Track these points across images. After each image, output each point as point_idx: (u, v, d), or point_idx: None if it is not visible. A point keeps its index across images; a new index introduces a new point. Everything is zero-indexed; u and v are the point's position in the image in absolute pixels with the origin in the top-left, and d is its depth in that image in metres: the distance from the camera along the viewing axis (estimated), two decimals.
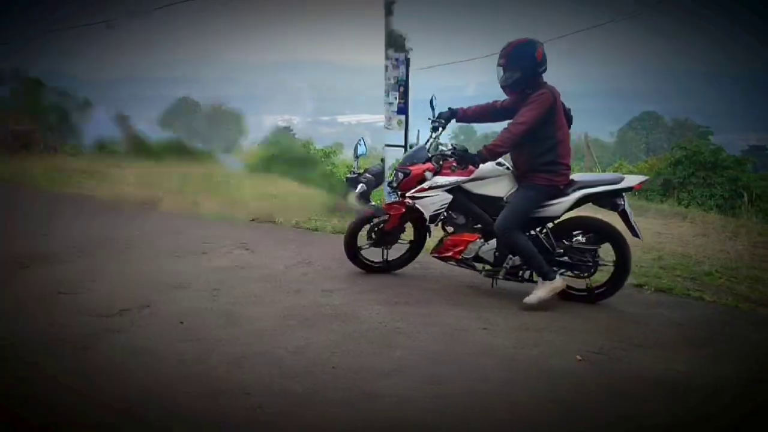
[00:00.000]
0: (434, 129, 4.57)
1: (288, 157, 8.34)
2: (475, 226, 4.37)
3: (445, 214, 4.39)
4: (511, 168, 4.31)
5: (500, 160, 4.28)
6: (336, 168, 9.32)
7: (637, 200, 10.85)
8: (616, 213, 4.17)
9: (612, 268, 4.19)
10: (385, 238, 4.71)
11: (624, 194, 4.13)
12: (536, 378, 3.06)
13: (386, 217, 4.65)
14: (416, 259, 4.80)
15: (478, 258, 4.34)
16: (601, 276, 4.27)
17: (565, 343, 3.51)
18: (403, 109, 7.19)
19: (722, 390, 3.02)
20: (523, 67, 4.05)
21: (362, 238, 4.76)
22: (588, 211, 4.38)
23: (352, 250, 4.75)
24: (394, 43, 6.99)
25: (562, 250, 4.22)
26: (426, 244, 4.77)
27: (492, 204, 4.25)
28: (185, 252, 5.31)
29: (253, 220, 6.86)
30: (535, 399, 2.85)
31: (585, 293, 4.26)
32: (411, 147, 5.84)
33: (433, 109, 4.64)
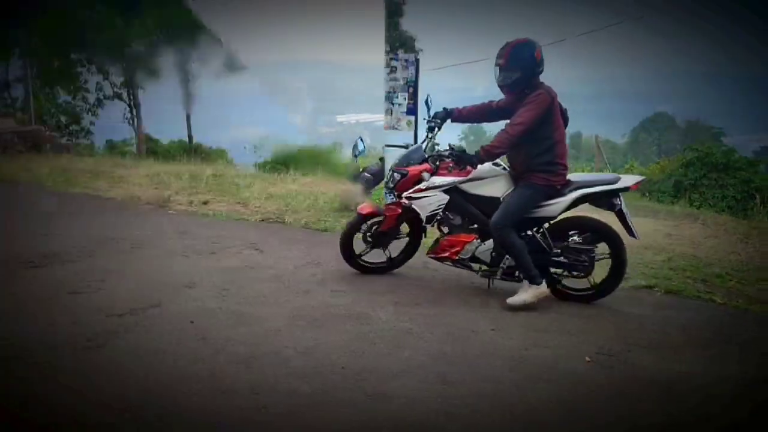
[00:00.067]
0: (430, 129, 4.56)
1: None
2: (472, 227, 4.36)
3: (442, 214, 4.39)
4: (508, 168, 4.31)
5: (497, 160, 4.28)
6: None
7: (648, 201, 10.80)
8: (612, 213, 4.18)
9: (608, 266, 4.19)
10: (381, 239, 4.71)
11: (620, 194, 4.13)
12: (545, 379, 3.05)
13: (381, 218, 4.65)
14: (425, 260, 4.79)
15: (474, 258, 4.33)
16: (596, 276, 4.25)
17: (574, 345, 3.50)
18: (412, 110, 7.27)
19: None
20: (522, 68, 4.04)
21: (360, 245, 4.74)
22: (586, 211, 4.37)
23: (348, 252, 4.73)
24: (404, 44, 7.02)
25: (558, 251, 4.21)
26: (422, 243, 4.76)
27: (489, 204, 4.23)
28: (194, 252, 5.33)
29: (262, 220, 6.89)
30: (543, 400, 2.84)
31: (581, 293, 4.27)
32: (407, 147, 5.85)
33: (428, 109, 4.64)
